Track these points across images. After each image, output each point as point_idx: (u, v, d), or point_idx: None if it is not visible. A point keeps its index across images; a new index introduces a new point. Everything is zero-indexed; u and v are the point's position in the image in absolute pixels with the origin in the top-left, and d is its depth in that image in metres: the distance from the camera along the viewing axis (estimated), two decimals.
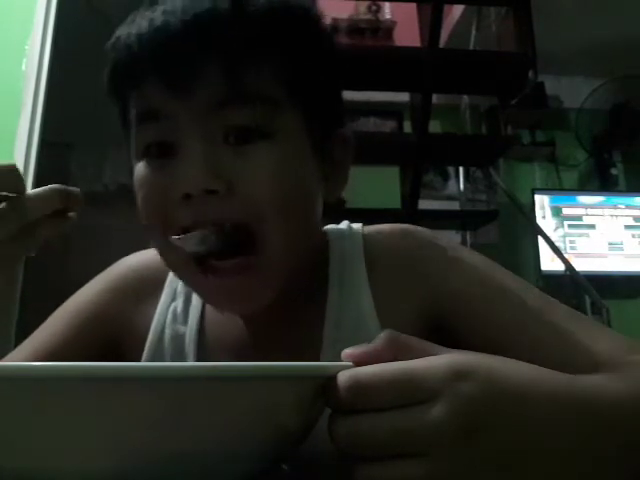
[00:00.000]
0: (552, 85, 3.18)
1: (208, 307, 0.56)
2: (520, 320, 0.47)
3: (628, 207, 3.28)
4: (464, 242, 2.83)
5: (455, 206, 3.09)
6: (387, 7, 2.79)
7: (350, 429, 0.30)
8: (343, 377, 0.30)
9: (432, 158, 2.51)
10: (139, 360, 0.54)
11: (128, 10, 0.47)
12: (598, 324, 0.50)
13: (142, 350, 0.55)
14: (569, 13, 2.74)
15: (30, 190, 0.44)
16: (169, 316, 0.56)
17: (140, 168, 0.47)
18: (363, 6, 2.76)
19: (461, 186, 3.13)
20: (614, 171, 3.37)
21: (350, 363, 0.31)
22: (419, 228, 0.56)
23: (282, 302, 0.50)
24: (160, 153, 0.46)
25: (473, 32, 2.51)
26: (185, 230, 0.44)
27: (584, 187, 3.38)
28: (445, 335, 0.49)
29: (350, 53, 2.05)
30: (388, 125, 3.19)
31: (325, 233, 0.57)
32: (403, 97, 2.67)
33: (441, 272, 0.51)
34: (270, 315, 0.51)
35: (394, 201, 2.46)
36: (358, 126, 3.03)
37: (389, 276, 0.53)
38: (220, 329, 0.55)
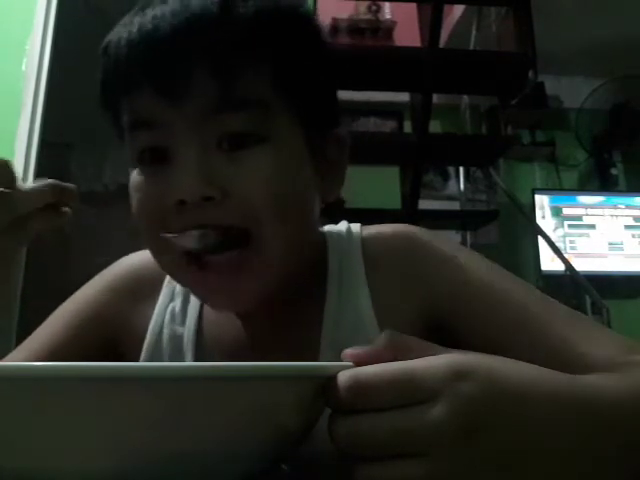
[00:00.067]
0: (552, 85, 3.18)
1: (206, 307, 0.56)
2: (520, 320, 0.47)
3: (628, 207, 3.28)
4: (464, 242, 2.83)
5: (455, 206, 3.09)
6: (387, 7, 2.79)
7: (350, 429, 0.30)
8: (343, 377, 0.30)
9: (432, 158, 2.51)
10: (137, 360, 0.54)
11: (127, 10, 0.47)
12: (598, 325, 0.50)
13: (140, 350, 0.55)
14: (569, 13, 2.74)
15: (24, 184, 0.44)
16: (167, 316, 0.56)
17: (134, 175, 0.47)
18: (363, 6, 2.77)
19: (461, 186, 3.13)
20: (614, 171, 3.38)
21: (350, 363, 0.31)
22: (419, 228, 0.55)
23: (280, 302, 0.50)
24: (154, 159, 0.46)
25: (473, 32, 2.52)
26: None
27: (584, 187, 3.38)
28: (445, 335, 0.49)
29: (350, 53, 2.05)
30: (388, 125, 3.20)
31: (323, 233, 0.57)
32: (403, 97, 2.67)
33: (441, 272, 0.51)
34: (268, 315, 0.51)
35: (394, 201, 2.46)
36: (358, 126, 3.03)
37: (388, 276, 0.52)
38: (218, 329, 0.55)
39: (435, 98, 2.24)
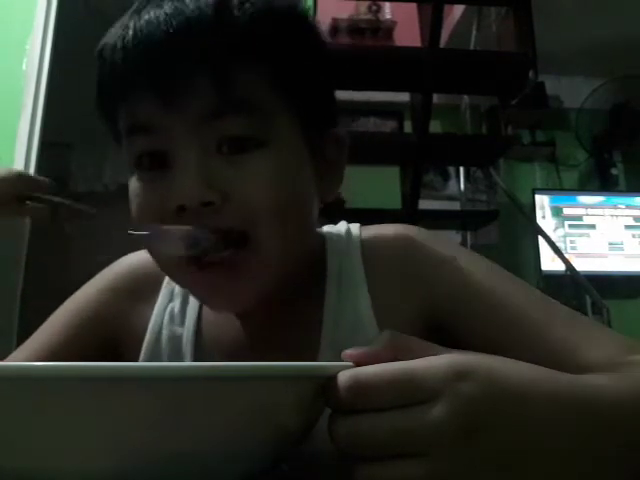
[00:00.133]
0: (552, 85, 3.18)
1: (205, 308, 0.56)
2: (520, 320, 0.47)
3: (628, 207, 3.28)
4: (464, 242, 2.83)
5: (455, 206, 3.09)
6: (387, 7, 2.79)
7: (350, 429, 0.30)
8: (343, 377, 0.30)
9: (432, 158, 2.51)
10: (136, 360, 0.54)
11: (127, 10, 0.47)
12: (598, 324, 0.50)
13: (139, 350, 0.55)
14: (569, 13, 2.74)
15: None
16: (166, 317, 0.56)
17: (133, 180, 0.47)
18: (363, 6, 2.76)
19: (461, 186, 3.13)
20: (614, 171, 3.38)
21: (350, 363, 0.31)
22: (418, 228, 0.55)
23: (279, 302, 0.50)
24: (152, 164, 0.45)
25: (473, 32, 2.51)
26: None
27: (584, 187, 3.38)
28: (445, 335, 0.49)
29: (350, 53, 2.05)
30: (388, 125, 3.20)
31: (322, 234, 0.57)
32: (403, 97, 2.67)
33: (441, 273, 0.51)
34: (267, 316, 0.51)
35: (394, 201, 2.46)
36: (358, 126, 3.03)
37: (388, 276, 0.52)
38: (217, 330, 0.55)
39: (435, 98, 2.24)
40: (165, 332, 0.55)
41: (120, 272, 0.59)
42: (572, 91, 3.30)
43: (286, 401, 0.31)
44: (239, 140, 0.44)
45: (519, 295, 0.49)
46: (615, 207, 3.26)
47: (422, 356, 0.30)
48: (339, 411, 0.30)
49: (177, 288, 0.57)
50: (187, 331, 0.55)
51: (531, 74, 2.09)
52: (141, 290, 0.58)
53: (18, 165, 1.90)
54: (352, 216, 0.61)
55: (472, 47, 2.52)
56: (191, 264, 0.45)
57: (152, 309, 0.57)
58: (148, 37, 0.43)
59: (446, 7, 2.24)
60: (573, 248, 3.12)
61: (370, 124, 3.14)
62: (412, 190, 2.24)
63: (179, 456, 0.29)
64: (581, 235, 3.19)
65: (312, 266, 0.53)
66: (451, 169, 3.20)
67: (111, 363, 0.27)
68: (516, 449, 0.29)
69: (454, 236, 2.80)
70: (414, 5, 2.42)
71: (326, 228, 0.58)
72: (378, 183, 2.60)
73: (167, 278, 0.57)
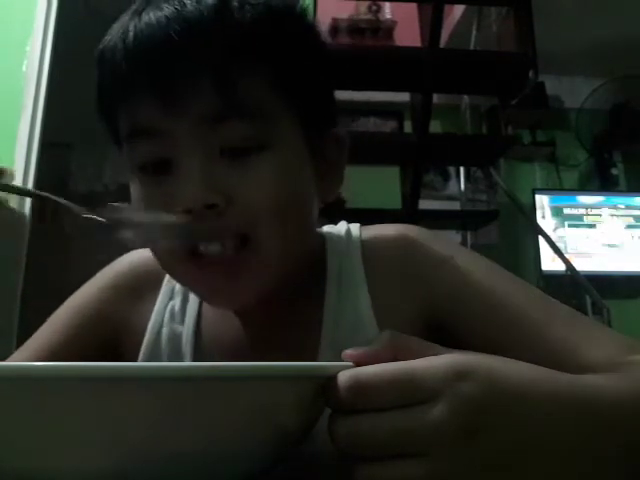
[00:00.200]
0: (552, 85, 3.18)
1: (205, 306, 0.56)
2: (520, 320, 0.47)
3: (628, 207, 3.28)
4: (464, 242, 2.83)
5: (455, 206, 3.09)
6: (387, 7, 2.79)
7: (350, 429, 0.30)
8: (343, 377, 0.30)
9: (432, 158, 2.51)
10: (136, 358, 0.54)
11: (127, 11, 0.47)
12: (598, 324, 0.50)
13: (139, 349, 0.55)
14: (569, 13, 2.74)
15: None
16: (167, 315, 0.56)
17: (136, 184, 0.47)
18: (363, 6, 2.76)
19: (461, 186, 3.13)
20: (614, 171, 3.38)
21: (350, 363, 0.31)
22: (418, 228, 0.55)
23: (279, 302, 0.50)
24: (156, 169, 0.45)
25: (474, 32, 2.51)
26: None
27: (584, 187, 3.38)
28: (445, 335, 0.49)
29: (350, 53, 2.05)
30: (388, 125, 3.20)
31: (322, 234, 0.57)
32: (403, 97, 2.67)
33: (441, 273, 0.51)
34: (267, 315, 0.51)
35: (394, 201, 2.46)
36: (358, 126, 3.03)
37: (388, 276, 0.52)
38: (217, 329, 0.55)
39: (435, 98, 2.24)
40: (165, 330, 0.55)
41: (121, 270, 0.59)
42: (572, 91, 3.30)
43: (286, 401, 0.31)
44: (242, 143, 0.44)
45: (519, 295, 0.49)
46: (615, 207, 3.26)
47: (422, 356, 0.30)
48: (339, 411, 0.30)
49: (178, 286, 0.57)
50: (187, 330, 0.55)
51: (531, 74, 2.09)
52: (142, 288, 0.58)
53: (18, 165, 1.90)
54: (352, 216, 0.61)
55: (472, 47, 2.52)
56: (191, 262, 0.46)
57: (152, 307, 0.57)
58: (149, 39, 0.43)
59: (446, 7, 2.24)
60: (573, 248, 3.12)
61: (370, 124, 3.14)
62: (412, 190, 2.24)
63: (179, 456, 0.29)
64: (581, 235, 3.18)
65: (312, 266, 0.53)
66: (451, 169, 3.20)
67: (111, 363, 0.27)
68: (516, 449, 0.29)
69: (454, 236, 2.80)
70: (414, 5, 2.42)
71: (326, 228, 0.58)
72: (378, 183, 2.59)
73: (168, 276, 0.57)
